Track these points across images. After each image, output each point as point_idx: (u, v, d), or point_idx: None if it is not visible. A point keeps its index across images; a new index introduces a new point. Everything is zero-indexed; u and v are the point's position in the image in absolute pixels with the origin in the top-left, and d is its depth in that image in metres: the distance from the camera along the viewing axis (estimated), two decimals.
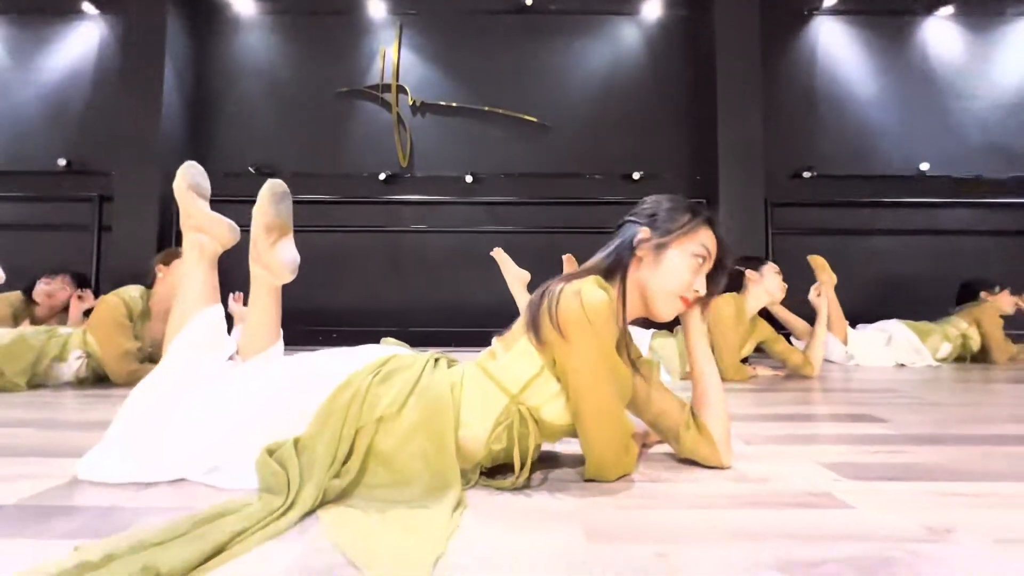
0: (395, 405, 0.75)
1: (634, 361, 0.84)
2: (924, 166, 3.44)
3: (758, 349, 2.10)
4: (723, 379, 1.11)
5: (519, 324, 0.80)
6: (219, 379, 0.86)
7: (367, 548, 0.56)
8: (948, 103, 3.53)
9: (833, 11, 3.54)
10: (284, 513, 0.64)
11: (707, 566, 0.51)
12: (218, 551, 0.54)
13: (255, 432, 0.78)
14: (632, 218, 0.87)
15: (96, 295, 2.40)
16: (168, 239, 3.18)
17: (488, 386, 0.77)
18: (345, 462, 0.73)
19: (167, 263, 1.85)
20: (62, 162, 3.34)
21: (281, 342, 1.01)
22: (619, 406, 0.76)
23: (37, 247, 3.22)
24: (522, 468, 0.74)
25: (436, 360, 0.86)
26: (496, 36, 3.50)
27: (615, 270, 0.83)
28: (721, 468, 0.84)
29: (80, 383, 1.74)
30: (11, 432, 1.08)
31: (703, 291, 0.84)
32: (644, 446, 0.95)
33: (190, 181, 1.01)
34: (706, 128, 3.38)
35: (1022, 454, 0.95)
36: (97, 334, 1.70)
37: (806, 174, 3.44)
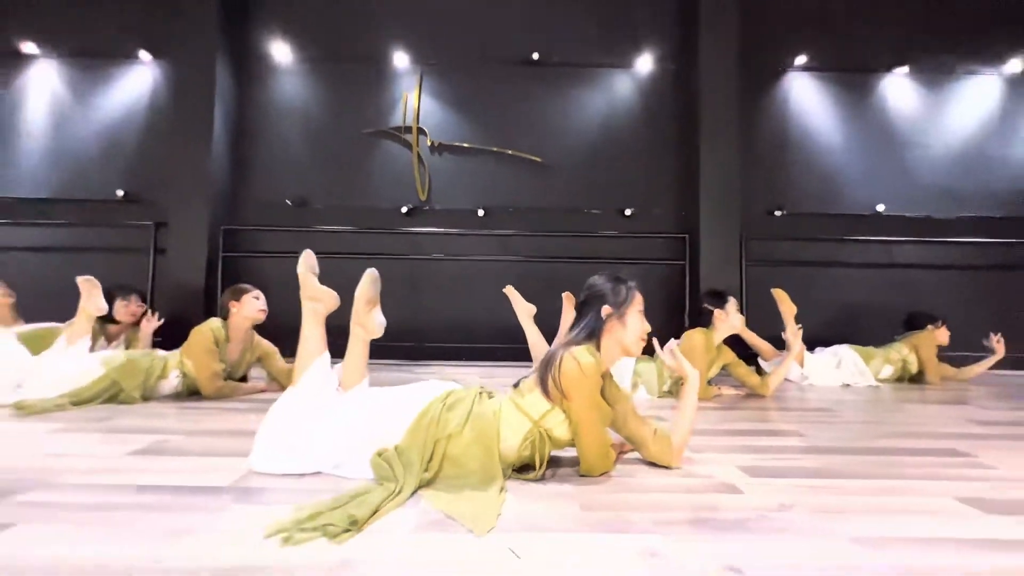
0: (458, 426, 1.18)
1: (612, 397, 1.28)
2: (881, 207, 3.90)
3: (725, 370, 2.54)
4: None
5: (535, 376, 1.24)
6: (337, 404, 1.29)
7: (455, 510, 0.99)
8: (903, 151, 3.99)
9: (804, 68, 4.00)
10: (399, 493, 1.07)
11: (650, 521, 0.95)
12: (375, 511, 0.97)
13: (366, 442, 1.21)
14: (592, 300, 1.30)
15: (152, 312, 2.81)
16: (215, 260, 3.60)
17: (518, 414, 1.20)
18: (429, 462, 1.16)
19: (237, 299, 2.27)
20: (120, 193, 3.75)
21: (367, 377, 1.43)
22: (603, 429, 1.20)
23: (98, 269, 3.61)
24: (540, 466, 1.17)
25: (480, 393, 1.29)
26: (506, 85, 3.94)
27: (592, 337, 1.27)
28: (670, 468, 1.27)
29: (177, 396, 2.16)
30: (167, 438, 1.51)
31: (648, 328, 1.30)
32: (621, 453, 1.38)
33: (308, 264, 1.43)
34: (690, 170, 3.83)
35: (891, 460, 1.40)
36: (192, 358, 2.12)
37: (777, 212, 3.89)
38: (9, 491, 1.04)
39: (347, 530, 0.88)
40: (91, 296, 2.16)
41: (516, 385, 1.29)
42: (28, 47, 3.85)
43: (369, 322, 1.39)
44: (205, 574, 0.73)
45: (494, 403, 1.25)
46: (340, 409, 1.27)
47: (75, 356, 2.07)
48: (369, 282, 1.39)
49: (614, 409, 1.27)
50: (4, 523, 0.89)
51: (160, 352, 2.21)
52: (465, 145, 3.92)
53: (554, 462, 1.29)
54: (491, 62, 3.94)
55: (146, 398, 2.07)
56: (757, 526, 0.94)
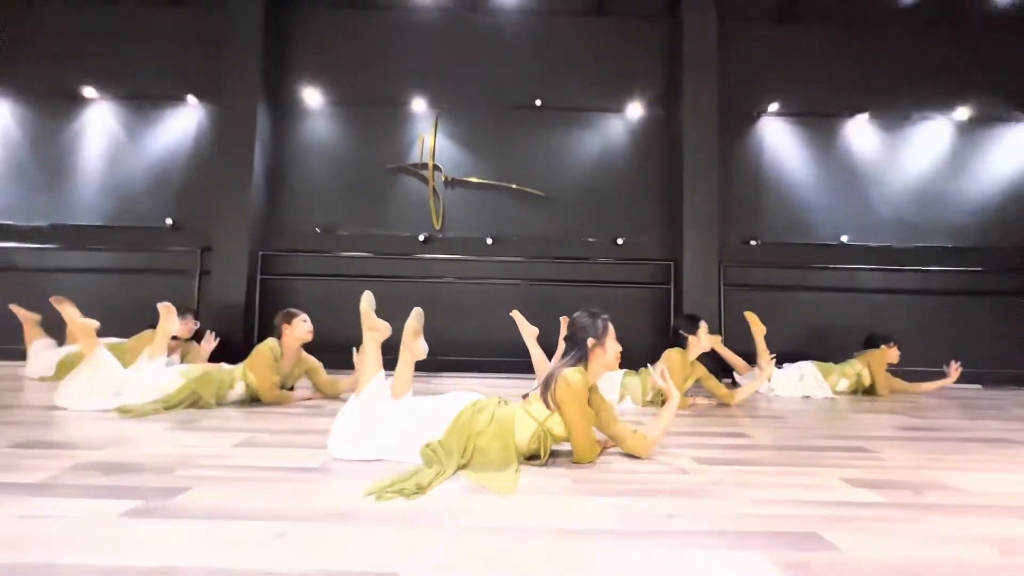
0: (484, 426, 1.63)
1: (597, 406, 1.74)
2: (844, 237, 4.38)
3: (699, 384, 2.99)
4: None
5: (539, 390, 1.69)
6: (391, 409, 1.74)
7: (485, 482, 1.44)
8: (865, 187, 4.48)
9: (776, 113, 4.50)
10: (444, 472, 1.51)
11: (620, 489, 1.40)
12: (430, 482, 1.42)
13: (414, 437, 1.66)
14: (578, 333, 1.76)
15: (210, 332, 3.26)
16: (254, 282, 4.05)
17: (527, 418, 1.65)
18: (463, 452, 1.61)
19: (288, 322, 2.72)
20: (168, 221, 4.22)
21: (412, 388, 1.88)
22: (589, 429, 1.65)
23: (148, 290, 4.08)
24: (544, 455, 1.62)
25: (500, 401, 1.74)
26: (512, 127, 4.43)
27: (581, 360, 1.72)
28: (641, 458, 1.72)
29: (241, 403, 2.60)
30: (255, 435, 1.95)
31: (620, 348, 1.75)
32: (605, 447, 1.83)
33: (368, 302, 1.88)
34: (675, 203, 4.31)
35: (808, 454, 1.84)
36: (254, 371, 2.57)
37: (752, 242, 4.37)
38: (168, 468, 1.48)
39: (416, 492, 1.33)
40: (168, 318, 2.60)
41: (525, 396, 1.75)
42: (88, 91, 4.34)
43: (415, 347, 1.84)
44: (320, 515, 1.18)
45: (509, 409, 1.70)
46: (394, 413, 1.72)
47: (157, 369, 2.51)
48: (415, 317, 1.84)
49: (599, 415, 1.73)
50: (182, 487, 1.33)
51: (226, 366, 2.65)
52: (475, 180, 4.40)
53: (554, 453, 1.73)
54: (499, 107, 4.44)
55: (219, 404, 2.51)
56: (693, 493, 1.39)
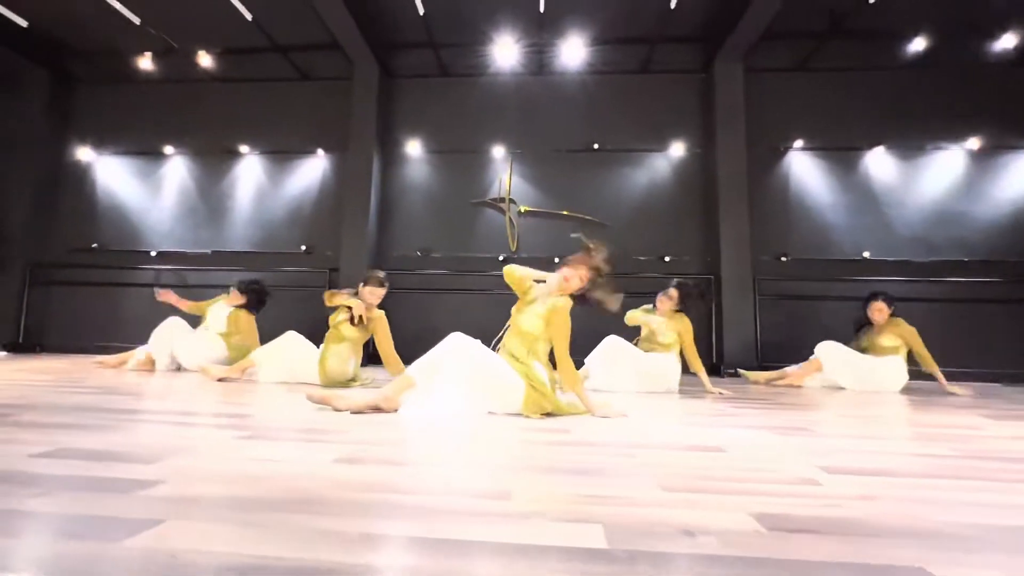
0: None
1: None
2: (866, 253, 5.04)
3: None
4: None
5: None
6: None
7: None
8: (884, 209, 5.14)
9: (802, 148, 5.26)
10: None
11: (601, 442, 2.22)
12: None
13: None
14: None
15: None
16: None
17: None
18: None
19: (364, 283, 3.60)
20: (303, 247, 5.35)
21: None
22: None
23: (288, 301, 5.18)
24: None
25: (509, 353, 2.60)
26: (573, 167, 5.37)
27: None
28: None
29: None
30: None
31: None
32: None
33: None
34: (712, 226, 5.09)
35: (762, 435, 2.59)
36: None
37: (783, 258, 5.09)
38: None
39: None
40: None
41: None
42: (244, 148, 5.59)
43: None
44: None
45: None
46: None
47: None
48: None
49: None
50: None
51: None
52: (544, 210, 5.35)
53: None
54: (562, 150, 5.40)
55: None
56: (625, 474, 2.19)
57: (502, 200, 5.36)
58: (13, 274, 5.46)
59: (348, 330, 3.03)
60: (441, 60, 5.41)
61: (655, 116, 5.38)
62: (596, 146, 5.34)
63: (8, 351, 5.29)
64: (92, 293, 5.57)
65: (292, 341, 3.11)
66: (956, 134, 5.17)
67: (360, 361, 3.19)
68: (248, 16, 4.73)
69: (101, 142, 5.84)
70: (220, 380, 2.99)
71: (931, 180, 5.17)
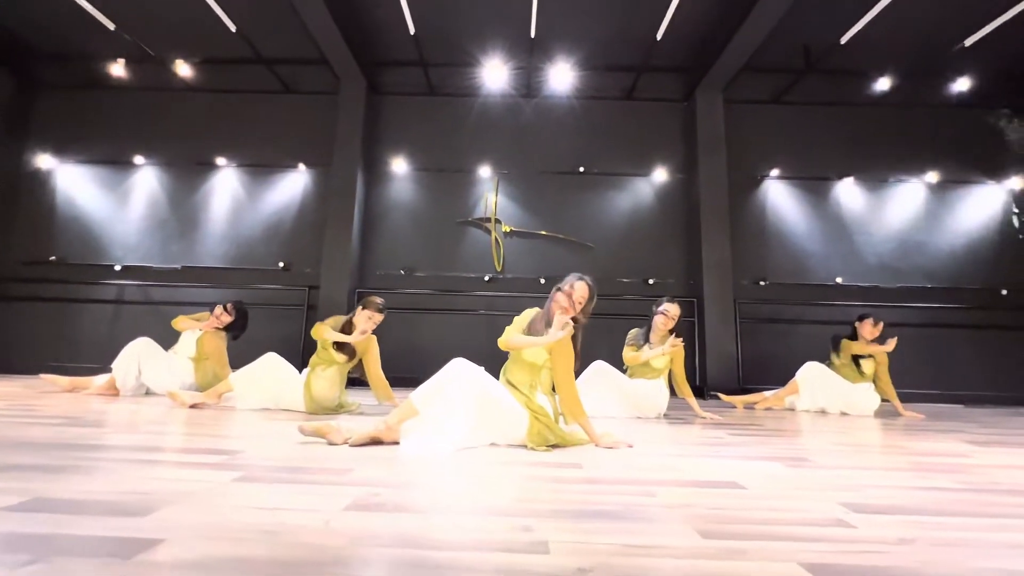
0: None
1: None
2: (839, 279, 5.23)
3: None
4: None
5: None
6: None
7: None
8: (854, 236, 5.37)
9: (778, 177, 5.46)
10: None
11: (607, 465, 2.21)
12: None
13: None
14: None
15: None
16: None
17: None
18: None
19: (363, 307, 3.49)
20: (281, 264, 5.16)
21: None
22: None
23: (262, 320, 4.96)
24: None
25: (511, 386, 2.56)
26: (559, 189, 5.41)
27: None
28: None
29: None
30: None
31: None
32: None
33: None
34: (694, 249, 5.20)
35: (732, 440, 2.62)
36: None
37: (761, 282, 5.23)
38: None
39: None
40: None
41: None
42: (220, 160, 5.40)
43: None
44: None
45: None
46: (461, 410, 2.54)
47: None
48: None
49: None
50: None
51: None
52: (530, 231, 5.34)
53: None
54: (548, 172, 5.44)
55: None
56: (589, 477, 2.19)
57: (488, 220, 5.34)
58: None
59: (339, 354, 2.90)
60: (430, 79, 5.41)
61: (639, 142, 5.50)
62: (582, 169, 5.40)
63: None
64: (47, 309, 5.20)
65: (272, 364, 2.95)
66: (917, 168, 5.48)
67: (344, 385, 3.06)
68: (232, 27, 4.61)
69: (64, 149, 5.53)
70: (193, 407, 2.80)
71: (895, 211, 5.44)
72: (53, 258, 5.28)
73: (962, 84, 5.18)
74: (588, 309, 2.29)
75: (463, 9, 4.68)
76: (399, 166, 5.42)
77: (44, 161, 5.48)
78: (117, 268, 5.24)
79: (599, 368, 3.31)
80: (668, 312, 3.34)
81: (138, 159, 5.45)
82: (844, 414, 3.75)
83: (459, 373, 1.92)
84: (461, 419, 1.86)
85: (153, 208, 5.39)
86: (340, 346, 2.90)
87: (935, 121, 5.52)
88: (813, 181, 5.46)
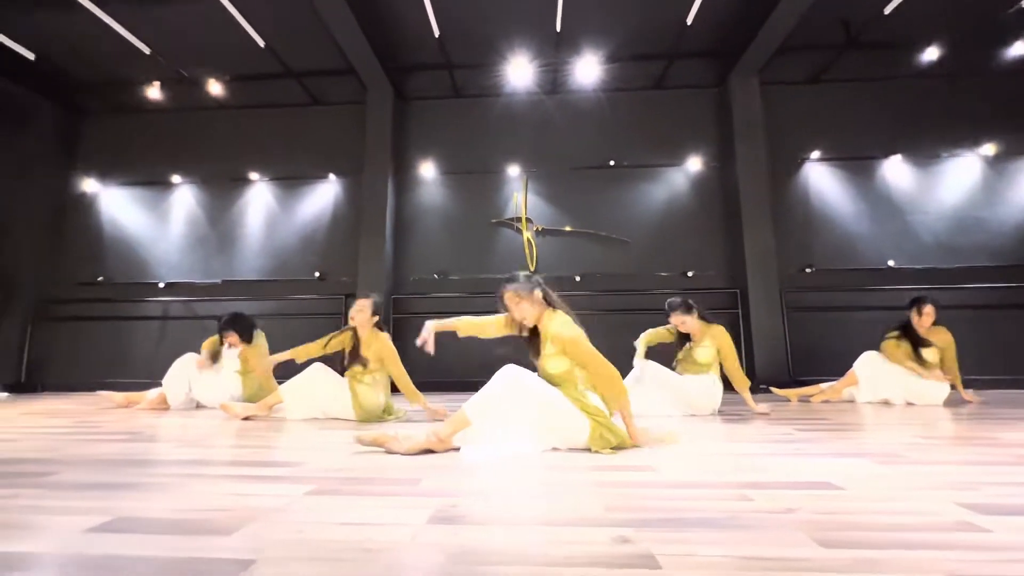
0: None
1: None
2: (891, 262, 4.96)
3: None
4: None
5: None
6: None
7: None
8: (905, 216, 5.09)
9: (819, 159, 5.23)
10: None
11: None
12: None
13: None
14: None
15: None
16: (389, 321, 4.93)
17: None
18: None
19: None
20: (316, 274, 5.22)
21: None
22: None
23: (300, 330, 5.02)
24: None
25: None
26: (590, 184, 5.31)
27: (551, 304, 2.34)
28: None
29: None
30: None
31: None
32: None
33: None
34: (735, 239, 5.02)
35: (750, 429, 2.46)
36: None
37: (807, 269, 5.00)
38: None
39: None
40: None
41: None
42: (253, 174, 5.50)
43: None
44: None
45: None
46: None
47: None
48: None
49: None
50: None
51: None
52: (561, 229, 5.26)
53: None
54: (578, 168, 5.34)
55: None
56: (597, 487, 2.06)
57: (519, 220, 5.28)
58: (18, 312, 5.29)
59: (356, 364, 2.89)
60: (455, 81, 5.39)
61: (671, 131, 5.35)
62: (612, 162, 5.29)
63: (9, 391, 5.08)
64: (97, 328, 5.39)
65: (320, 374, 2.95)
66: (971, 141, 5.16)
67: (388, 390, 3.03)
68: (261, 43, 4.69)
69: (107, 173, 5.73)
70: (246, 419, 2.83)
71: (949, 187, 5.14)
72: (101, 279, 5.47)
73: (1017, 48, 4.85)
74: (522, 308, 2.14)
75: (487, 8, 4.64)
76: (427, 170, 5.41)
77: (89, 185, 5.70)
78: (161, 285, 5.39)
79: (648, 367, 3.21)
80: (680, 318, 3.28)
81: (176, 178, 5.61)
82: (910, 404, 3.53)
83: (512, 382, 1.86)
84: (522, 428, 1.81)
85: (192, 225, 5.52)
86: (353, 355, 2.89)
87: (988, 89, 5.19)
88: (858, 161, 5.21)
